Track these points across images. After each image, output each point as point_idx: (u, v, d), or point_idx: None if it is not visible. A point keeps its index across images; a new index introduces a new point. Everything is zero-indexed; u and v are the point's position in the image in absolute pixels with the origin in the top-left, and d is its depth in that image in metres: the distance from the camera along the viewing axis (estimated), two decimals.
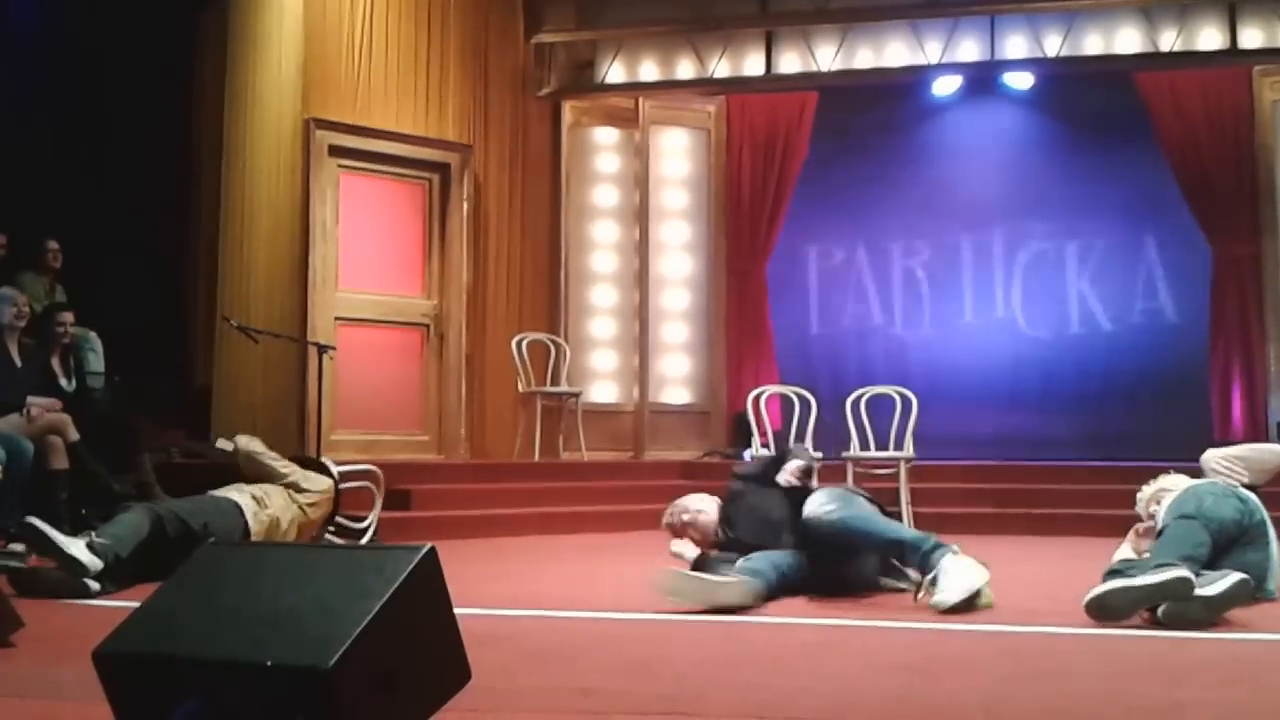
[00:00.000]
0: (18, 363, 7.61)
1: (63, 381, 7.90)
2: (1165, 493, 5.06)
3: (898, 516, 5.09)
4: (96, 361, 8.46)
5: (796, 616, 4.46)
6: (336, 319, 9.24)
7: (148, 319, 9.57)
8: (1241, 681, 3.29)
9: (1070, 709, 2.92)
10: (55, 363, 7.92)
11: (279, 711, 2.18)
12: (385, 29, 9.52)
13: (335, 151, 9.27)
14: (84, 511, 7.62)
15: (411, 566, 2.32)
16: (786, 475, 5.15)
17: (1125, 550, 4.89)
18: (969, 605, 4.40)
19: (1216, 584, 4.15)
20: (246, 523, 5.90)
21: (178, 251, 10.14)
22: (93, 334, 8.50)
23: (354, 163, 9.42)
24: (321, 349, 8.22)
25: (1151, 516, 5.06)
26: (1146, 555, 4.80)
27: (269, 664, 2.18)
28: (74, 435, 7.41)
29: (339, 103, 9.26)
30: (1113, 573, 4.45)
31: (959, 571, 4.45)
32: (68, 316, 8.02)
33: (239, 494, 6.04)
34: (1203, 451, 9.50)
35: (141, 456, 7.97)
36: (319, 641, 2.18)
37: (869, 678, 3.32)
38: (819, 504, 4.80)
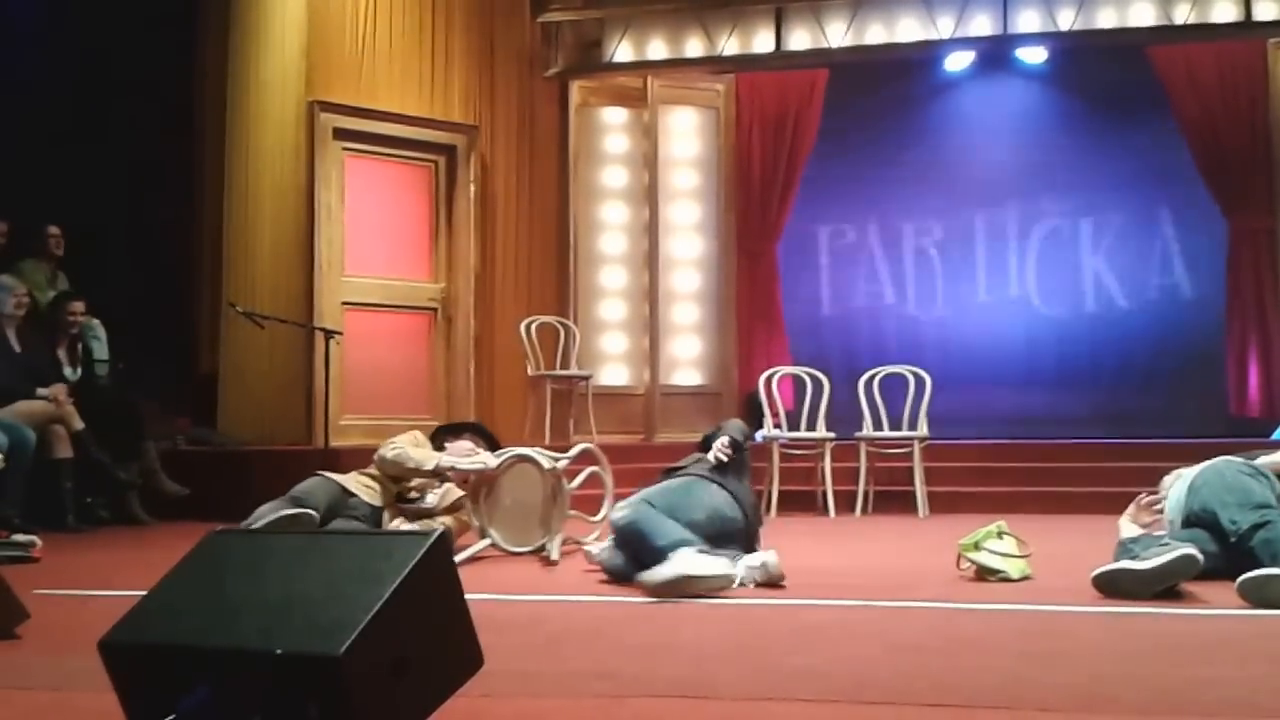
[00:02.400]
0: (17, 350, 7.58)
1: (67, 370, 7.88)
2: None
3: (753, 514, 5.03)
4: (100, 349, 8.42)
5: (809, 598, 4.42)
6: (343, 304, 9.20)
7: (151, 305, 9.53)
8: (1260, 658, 3.27)
9: (1088, 688, 2.89)
10: (61, 351, 7.89)
11: (289, 700, 2.15)
12: (389, 9, 9.46)
13: (340, 134, 9.22)
14: (89, 500, 7.61)
15: (422, 552, 2.29)
16: (715, 451, 5.10)
17: (1131, 527, 4.84)
18: (671, 589, 4.31)
19: (1157, 558, 4.15)
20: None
21: (181, 237, 10.09)
22: (96, 321, 8.46)
23: (359, 145, 9.36)
24: (328, 334, 8.18)
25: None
26: (1158, 531, 4.77)
27: (278, 652, 2.14)
28: (78, 424, 7.39)
29: (343, 85, 9.20)
30: (1125, 551, 4.43)
31: (681, 559, 4.39)
32: (78, 306, 8.00)
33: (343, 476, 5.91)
34: (1217, 427, 9.60)
35: (146, 444, 7.97)
36: (329, 629, 2.14)
37: (884, 658, 3.29)
38: (618, 509, 4.87)
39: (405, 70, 9.56)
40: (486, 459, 5.76)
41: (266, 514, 5.49)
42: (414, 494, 5.89)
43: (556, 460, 5.79)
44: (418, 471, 5.82)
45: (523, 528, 5.67)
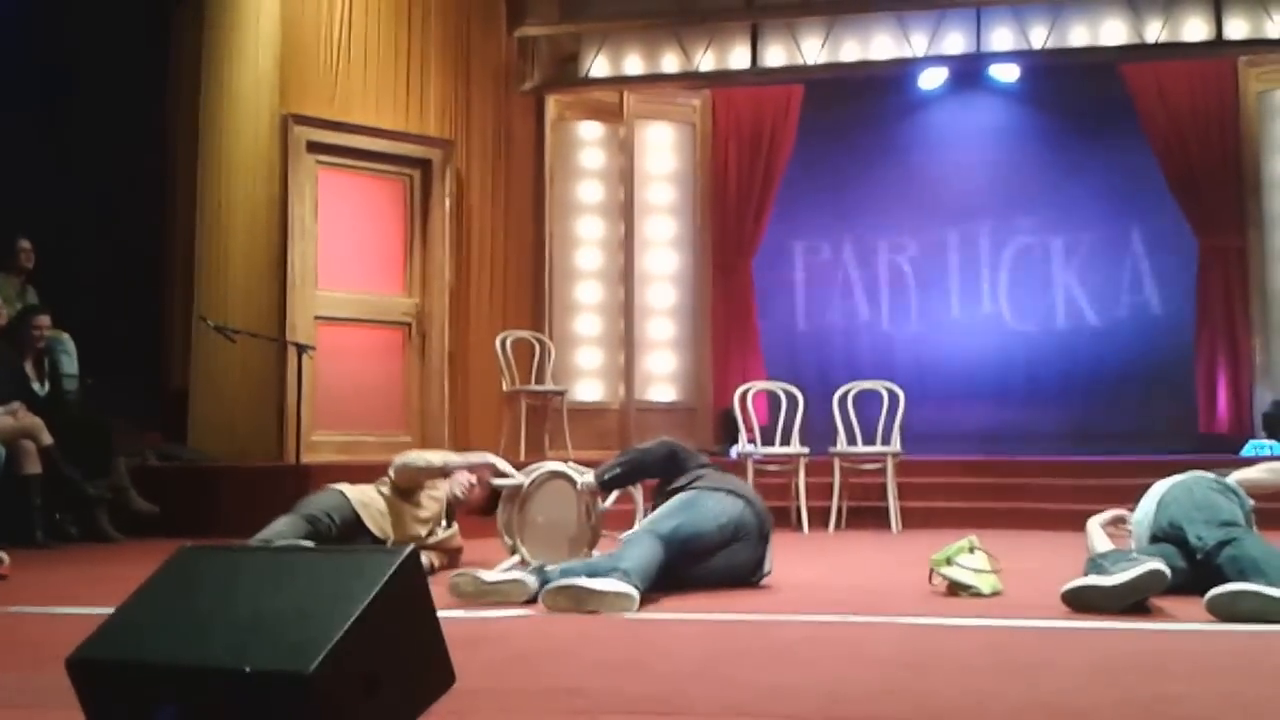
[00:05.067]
0: None
1: (35, 385, 7.81)
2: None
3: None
4: (70, 364, 8.35)
5: (782, 614, 4.42)
6: (316, 318, 9.16)
7: (122, 319, 9.46)
8: (1229, 673, 3.28)
9: (1058, 702, 2.90)
10: (29, 366, 7.82)
11: (258, 718, 2.12)
12: (364, 22, 9.44)
13: (314, 148, 9.19)
14: (58, 517, 7.53)
15: (393, 569, 2.28)
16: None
17: (1100, 535, 4.86)
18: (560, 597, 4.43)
19: (1124, 573, 4.18)
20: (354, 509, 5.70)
21: (153, 250, 10.03)
22: (65, 335, 8.39)
23: (333, 159, 9.33)
24: (301, 349, 8.13)
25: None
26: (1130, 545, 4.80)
27: (247, 670, 2.12)
28: (47, 439, 7.31)
29: (317, 98, 9.17)
30: (1094, 566, 4.45)
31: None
32: (44, 320, 7.92)
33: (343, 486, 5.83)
34: (1187, 443, 9.67)
35: (117, 460, 7.89)
36: (299, 646, 2.13)
37: (856, 673, 3.29)
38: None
39: (380, 84, 9.54)
40: (519, 475, 5.64)
41: (286, 534, 5.40)
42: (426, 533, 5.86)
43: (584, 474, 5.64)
44: (428, 470, 5.78)
45: (554, 545, 5.46)
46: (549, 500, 5.56)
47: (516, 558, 5.45)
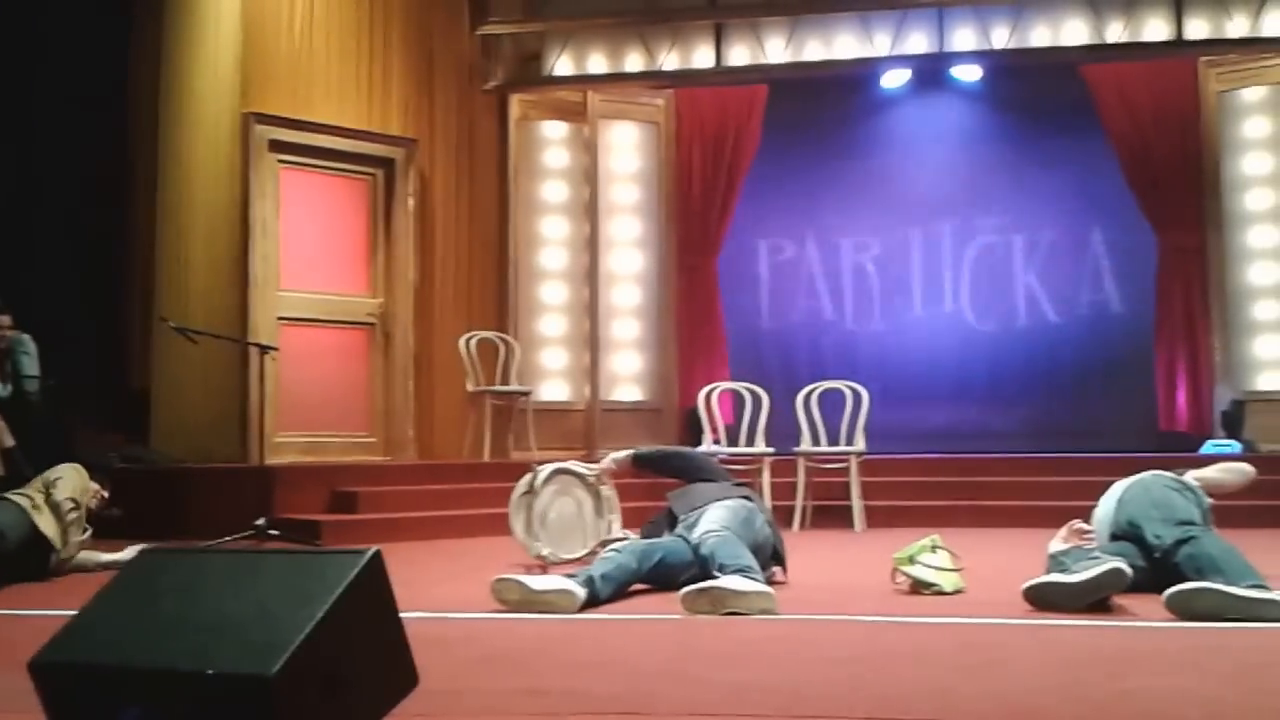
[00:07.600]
0: None
1: None
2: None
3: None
4: (30, 365, 8.27)
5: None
6: (279, 319, 9.10)
7: (83, 320, 9.38)
8: (1188, 670, 3.32)
9: (1019, 699, 2.93)
10: None
11: None
12: (326, 20, 9.39)
13: (275, 146, 9.13)
14: None
15: (356, 571, 2.28)
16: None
17: (1059, 543, 4.90)
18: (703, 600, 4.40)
19: (1085, 571, 4.22)
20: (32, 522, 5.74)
21: (113, 251, 9.94)
22: (26, 336, 8.31)
23: (295, 158, 9.27)
24: (263, 349, 8.08)
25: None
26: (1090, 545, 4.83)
27: (210, 672, 2.12)
28: (9, 441, 7.27)
29: (279, 96, 9.11)
30: (1056, 564, 4.49)
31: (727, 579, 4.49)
32: (4, 321, 7.87)
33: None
34: (1147, 441, 9.74)
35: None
36: (261, 649, 2.13)
37: (820, 670, 3.31)
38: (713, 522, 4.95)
39: (342, 82, 9.49)
40: (527, 477, 5.81)
41: None
42: None
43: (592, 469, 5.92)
44: None
45: (569, 538, 5.80)
46: (556, 497, 5.78)
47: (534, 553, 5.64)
